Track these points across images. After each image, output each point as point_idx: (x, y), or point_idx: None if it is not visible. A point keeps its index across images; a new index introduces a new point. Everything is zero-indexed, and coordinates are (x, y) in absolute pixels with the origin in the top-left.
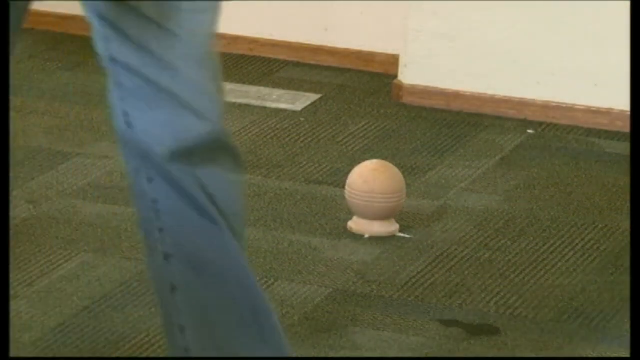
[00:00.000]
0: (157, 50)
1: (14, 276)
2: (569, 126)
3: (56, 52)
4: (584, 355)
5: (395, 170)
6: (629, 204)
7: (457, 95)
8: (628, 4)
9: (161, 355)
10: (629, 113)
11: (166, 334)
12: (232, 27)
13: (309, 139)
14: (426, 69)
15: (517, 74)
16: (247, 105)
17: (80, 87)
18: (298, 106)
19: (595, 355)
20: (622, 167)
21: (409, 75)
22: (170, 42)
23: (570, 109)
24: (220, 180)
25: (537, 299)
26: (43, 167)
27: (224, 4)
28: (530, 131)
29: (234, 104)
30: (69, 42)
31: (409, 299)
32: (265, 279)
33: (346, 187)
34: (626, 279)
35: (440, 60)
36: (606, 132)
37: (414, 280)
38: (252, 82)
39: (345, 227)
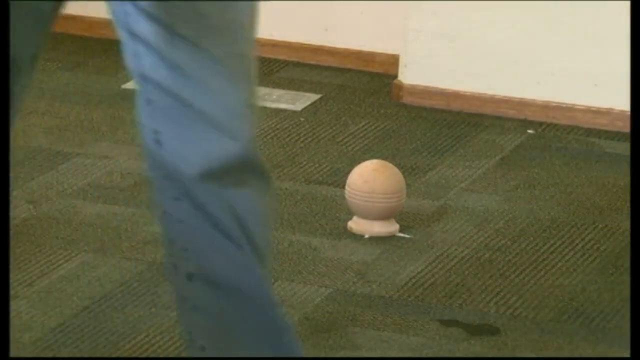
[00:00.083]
0: (191, 69)
1: (14, 276)
2: (569, 126)
3: (56, 52)
4: (584, 355)
5: (395, 170)
6: (629, 204)
7: (457, 95)
8: (628, 4)
9: (161, 355)
10: (629, 113)
11: (186, 350)
12: None
13: (309, 139)
14: (426, 69)
15: (517, 74)
16: None
17: (80, 87)
18: (298, 106)
19: (595, 355)
20: (622, 167)
21: (409, 75)
22: (205, 62)
23: (570, 109)
24: (250, 203)
25: (537, 299)
26: (43, 167)
27: None
28: (530, 131)
29: None
30: (69, 42)
31: (409, 299)
32: None
33: (346, 187)
34: (626, 279)
35: (440, 60)
36: (606, 132)
37: (414, 280)
38: None
39: (345, 227)
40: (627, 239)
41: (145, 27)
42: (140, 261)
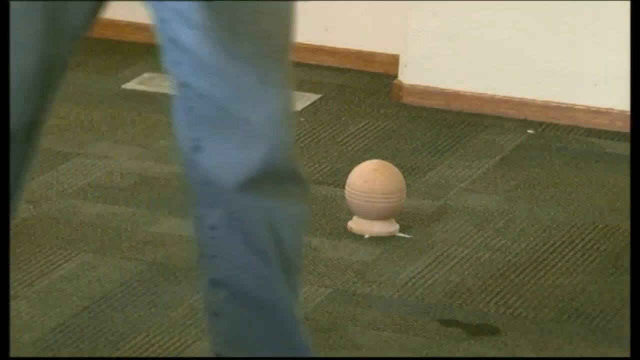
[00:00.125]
0: (232, 77)
1: (14, 276)
2: (569, 126)
3: None
4: (584, 355)
5: (395, 170)
6: (629, 204)
7: (457, 95)
8: (628, 4)
9: (161, 355)
10: (629, 113)
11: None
12: None
13: (309, 139)
14: (426, 69)
15: (517, 74)
16: None
17: (80, 87)
18: (298, 106)
19: (595, 355)
20: (622, 167)
21: (409, 75)
22: (245, 69)
23: (570, 109)
24: (287, 213)
25: (537, 299)
26: (43, 167)
27: None
28: (530, 131)
29: None
30: None
31: (409, 299)
32: None
33: (346, 187)
34: (626, 279)
35: (440, 60)
36: (606, 132)
37: (414, 280)
38: None
39: (345, 227)
40: (627, 239)
41: (185, 34)
42: (140, 261)
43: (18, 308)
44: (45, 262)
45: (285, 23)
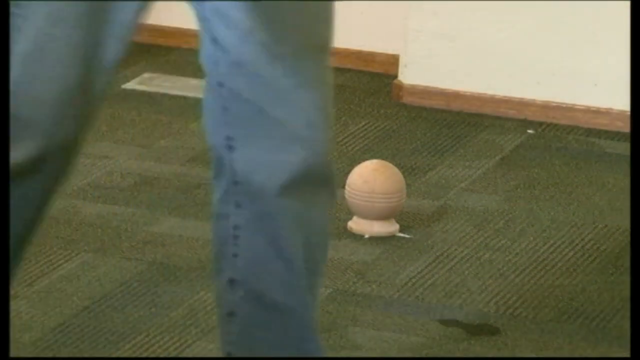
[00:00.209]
0: (270, 77)
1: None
2: (569, 126)
3: None
4: (584, 355)
5: (395, 170)
6: (629, 204)
7: (457, 95)
8: (628, 4)
9: (161, 355)
10: (629, 113)
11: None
12: None
13: None
14: (426, 69)
15: (517, 74)
16: None
17: None
18: None
19: (595, 355)
20: (622, 167)
21: (409, 75)
22: (284, 70)
23: (570, 109)
24: (316, 219)
25: (537, 299)
26: None
27: None
28: (530, 131)
29: None
30: None
31: (409, 299)
32: None
33: (346, 187)
34: (626, 279)
35: (440, 60)
36: (606, 132)
37: (414, 280)
38: None
39: (345, 227)
40: (627, 239)
41: (225, 34)
42: (140, 261)
43: (18, 308)
44: (45, 262)
45: (325, 24)
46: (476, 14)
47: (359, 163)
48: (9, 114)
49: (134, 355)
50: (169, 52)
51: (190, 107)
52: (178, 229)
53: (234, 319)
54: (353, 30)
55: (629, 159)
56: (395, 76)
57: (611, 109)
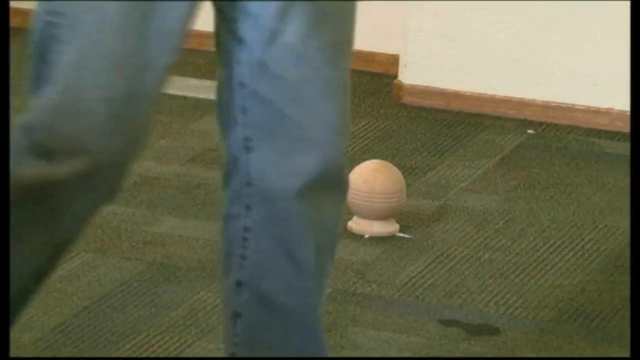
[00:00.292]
0: (292, 80)
1: None
2: (569, 126)
3: None
4: (584, 355)
5: (395, 170)
6: (629, 204)
7: (457, 95)
8: (628, 4)
9: (161, 355)
10: (629, 113)
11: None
12: None
13: None
14: (426, 69)
15: (517, 74)
16: None
17: None
18: None
19: (595, 355)
20: (622, 167)
21: (409, 75)
22: (307, 73)
23: (570, 109)
24: (328, 223)
25: (537, 299)
26: None
27: None
28: (530, 131)
29: None
30: None
31: (409, 299)
32: None
33: None
34: (626, 279)
35: (440, 60)
36: (606, 132)
37: (414, 280)
38: None
39: (345, 227)
40: (627, 239)
41: (252, 35)
42: (140, 261)
43: None
44: None
45: (349, 30)
46: (476, 14)
47: (359, 163)
48: (9, 114)
49: (134, 355)
50: None
51: (190, 107)
52: (178, 229)
53: (239, 320)
54: None
55: (629, 159)
56: (395, 76)
57: (611, 109)
